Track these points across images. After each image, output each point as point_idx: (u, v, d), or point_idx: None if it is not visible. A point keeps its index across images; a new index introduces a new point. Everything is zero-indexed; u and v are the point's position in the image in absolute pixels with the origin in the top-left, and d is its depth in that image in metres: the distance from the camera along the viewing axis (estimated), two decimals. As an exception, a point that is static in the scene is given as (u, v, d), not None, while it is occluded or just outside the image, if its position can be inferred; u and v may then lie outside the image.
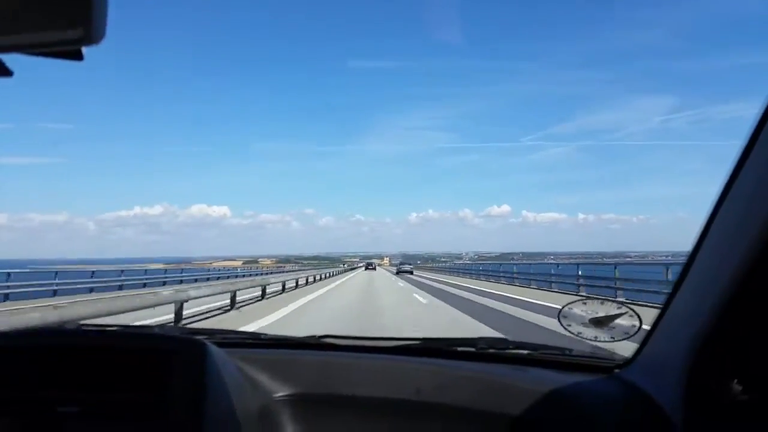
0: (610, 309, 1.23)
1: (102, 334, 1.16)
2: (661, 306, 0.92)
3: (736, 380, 0.75)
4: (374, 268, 79.27)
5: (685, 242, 0.81)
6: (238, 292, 11.00)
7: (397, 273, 42.50)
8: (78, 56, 0.42)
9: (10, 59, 0.41)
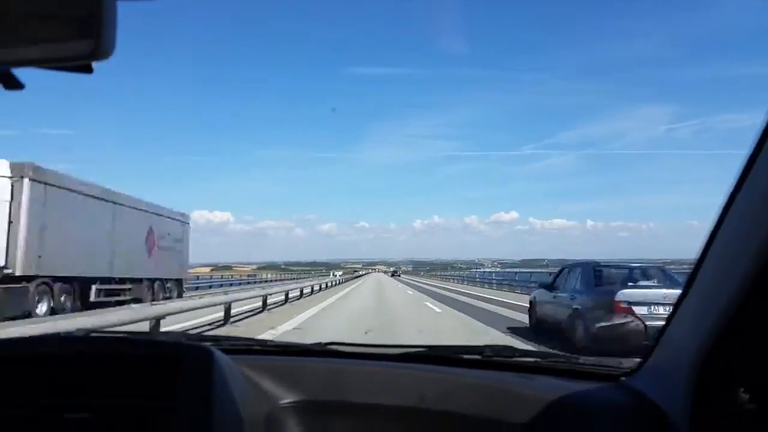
0: (616, 317, 1.35)
1: (109, 340, 1.23)
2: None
3: (742, 389, 0.78)
4: (399, 275, 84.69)
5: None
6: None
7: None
8: (88, 69, 0.47)
9: (21, 72, 0.46)
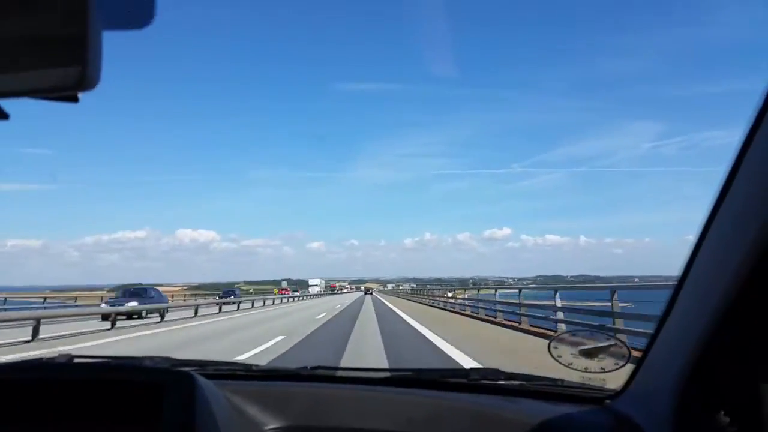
0: (599, 340, 1.40)
1: (92, 366, 1.29)
2: None
3: (723, 411, 0.86)
4: (371, 293, 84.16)
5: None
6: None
7: None
8: (74, 99, 0.51)
9: (6, 102, 0.50)
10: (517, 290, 17.44)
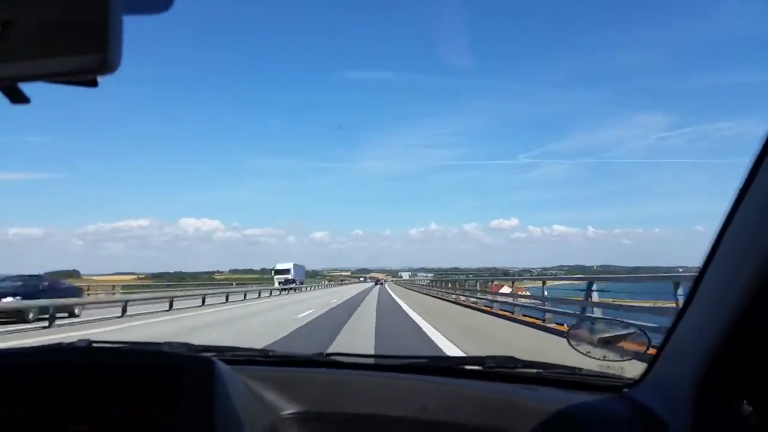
0: (618, 329, 1.42)
1: (111, 351, 1.32)
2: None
3: (746, 401, 0.87)
4: (382, 283, 78.19)
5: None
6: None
7: None
8: (93, 83, 0.52)
9: (27, 86, 0.51)
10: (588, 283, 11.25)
